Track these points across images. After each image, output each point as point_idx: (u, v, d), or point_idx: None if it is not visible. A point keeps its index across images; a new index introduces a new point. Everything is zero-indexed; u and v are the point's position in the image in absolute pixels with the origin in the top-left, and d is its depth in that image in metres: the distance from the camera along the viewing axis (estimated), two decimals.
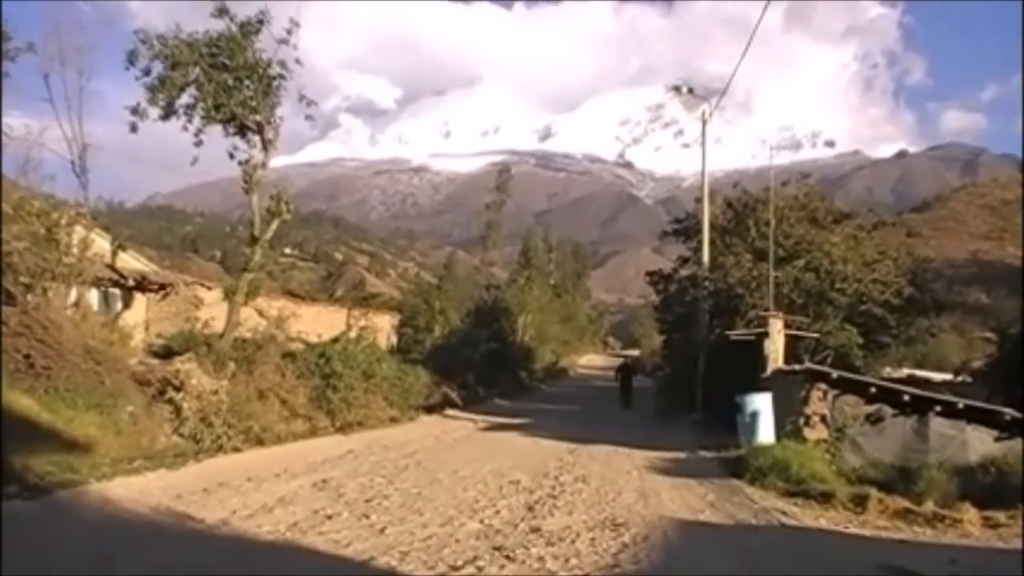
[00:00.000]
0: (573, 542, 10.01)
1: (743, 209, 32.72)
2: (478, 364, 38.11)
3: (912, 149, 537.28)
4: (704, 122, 35.67)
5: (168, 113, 20.69)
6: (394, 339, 40.84)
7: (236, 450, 16.19)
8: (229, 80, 20.97)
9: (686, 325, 35.15)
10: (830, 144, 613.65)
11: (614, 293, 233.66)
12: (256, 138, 21.77)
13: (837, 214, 33.01)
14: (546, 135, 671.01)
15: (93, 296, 23.29)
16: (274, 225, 22.50)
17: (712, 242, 32.73)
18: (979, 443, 16.10)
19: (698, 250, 33.73)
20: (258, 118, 21.45)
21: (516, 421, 28.15)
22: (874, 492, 13.31)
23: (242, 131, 21.67)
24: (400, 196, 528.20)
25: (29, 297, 16.67)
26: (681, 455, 19.83)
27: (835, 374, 18.11)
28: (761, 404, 19.01)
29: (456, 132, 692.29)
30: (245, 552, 9.20)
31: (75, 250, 18.73)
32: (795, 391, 18.21)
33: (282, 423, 19.31)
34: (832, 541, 11.08)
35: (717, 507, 13.17)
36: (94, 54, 21.27)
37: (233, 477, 13.35)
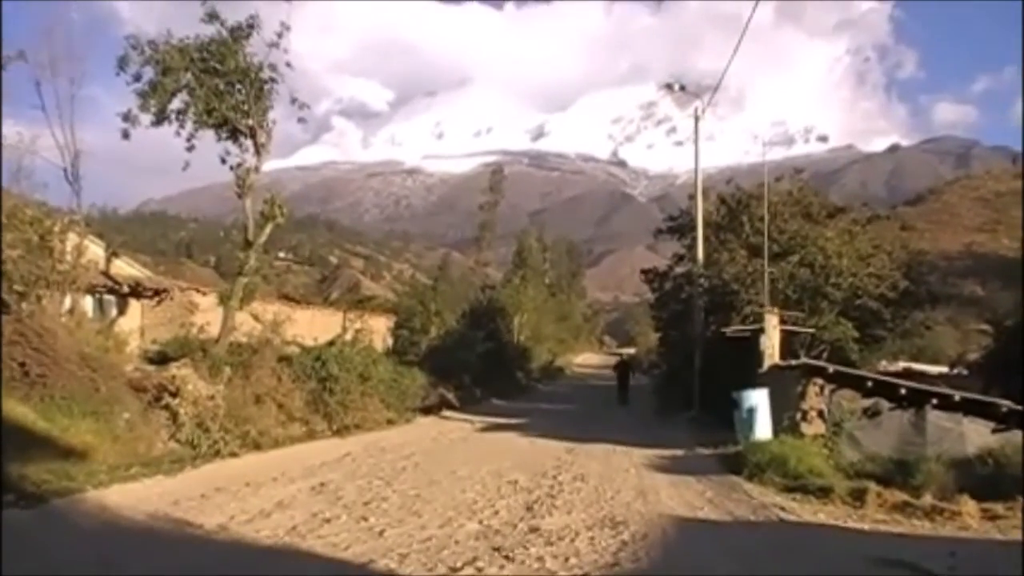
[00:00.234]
0: (572, 541, 10.00)
1: (737, 205, 32.74)
2: (474, 365, 38.09)
3: (905, 143, 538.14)
4: (697, 119, 35.68)
5: (160, 119, 20.66)
6: (390, 341, 40.76)
7: (233, 455, 16.14)
8: (220, 85, 20.95)
9: (682, 322, 35.16)
10: (823, 139, 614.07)
11: (609, 292, 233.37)
12: (248, 142, 21.75)
13: (831, 209, 33.03)
14: (538, 135, 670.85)
15: (88, 303, 23.31)
16: (268, 229, 22.46)
17: (706, 239, 32.73)
18: (976, 435, 16.12)
19: (692, 247, 33.75)
20: (250, 122, 21.43)
21: (513, 421, 28.14)
22: (872, 486, 13.31)
23: (234, 135, 21.66)
24: (394, 198, 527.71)
25: (23, 305, 16.63)
26: (679, 452, 19.85)
27: (831, 369, 18.11)
28: (758, 400, 19.02)
29: (449, 133, 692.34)
30: (244, 557, 9.19)
31: (69, 257, 18.68)
32: (791, 386, 18.21)
33: (279, 427, 19.29)
34: (831, 535, 11.09)
35: (716, 504, 13.18)
36: (85, 61, 21.20)
37: (231, 482, 13.33)
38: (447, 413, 30.06)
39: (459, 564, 8.74)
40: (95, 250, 23.49)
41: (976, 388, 19.27)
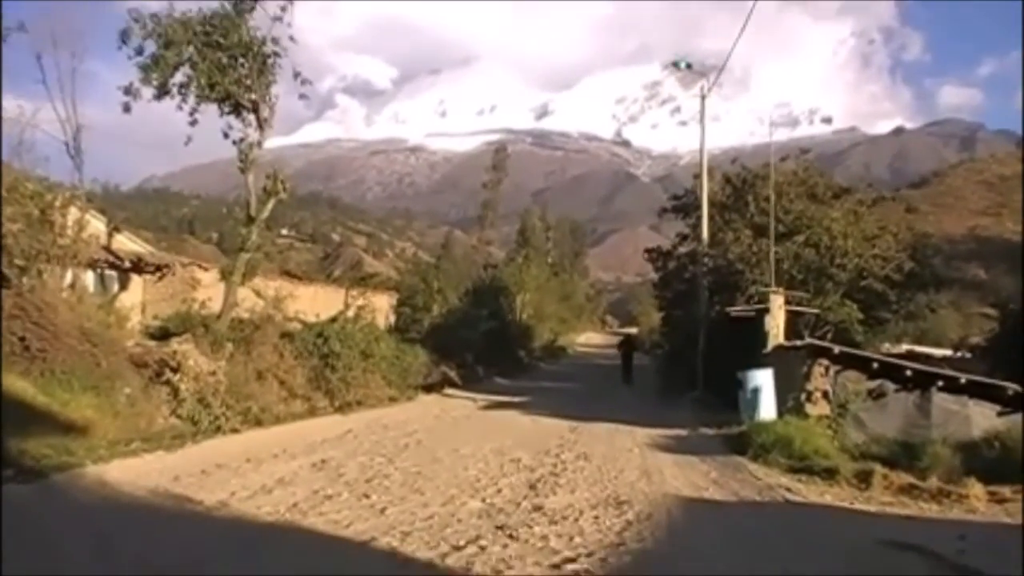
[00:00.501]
0: (576, 520, 9.91)
1: (742, 185, 32.57)
2: (477, 343, 37.96)
3: (909, 125, 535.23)
4: (703, 97, 35.44)
5: (162, 93, 20.46)
6: (392, 319, 40.68)
7: (234, 431, 16.08)
8: (223, 59, 20.75)
9: (685, 302, 35.05)
10: (827, 121, 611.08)
11: (612, 271, 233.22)
12: (251, 117, 21.57)
13: (837, 189, 32.89)
14: (542, 113, 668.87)
15: (89, 278, 23.19)
16: (270, 204, 22.31)
17: (711, 218, 32.50)
18: (982, 418, 16.08)
19: (697, 226, 33.55)
20: (253, 97, 21.25)
21: (516, 399, 28.09)
22: (878, 468, 13.26)
23: (237, 110, 21.47)
24: (397, 176, 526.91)
25: (24, 280, 16.52)
26: (683, 432, 19.73)
27: (837, 349, 18.05)
28: (762, 380, 18.93)
29: (452, 111, 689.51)
30: (244, 533, 9.09)
31: (70, 232, 18.55)
32: (796, 367, 18.13)
33: (281, 403, 19.25)
34: (838, 517, 11.01)
35: (720, 484, 13.09)
36: (86, 34, 21.03)
37: (232, 458, 13.23)
38: (449, 391, 29.96)
39: (462, 542, 8.64)
40: (96, 225, 23.34)
41: (980, 371, 19.22)
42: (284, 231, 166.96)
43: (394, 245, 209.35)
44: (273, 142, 22.88)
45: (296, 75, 22.00)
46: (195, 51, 20.44)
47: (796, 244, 27.78)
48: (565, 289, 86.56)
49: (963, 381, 16.50)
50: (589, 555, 8.37)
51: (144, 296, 26.94)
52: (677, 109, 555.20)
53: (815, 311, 25.27)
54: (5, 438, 10.74)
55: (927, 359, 24.46)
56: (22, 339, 14.35)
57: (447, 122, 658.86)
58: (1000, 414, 16.09)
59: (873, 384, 17.18)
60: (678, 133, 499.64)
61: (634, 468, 14.27)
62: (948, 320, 53.34)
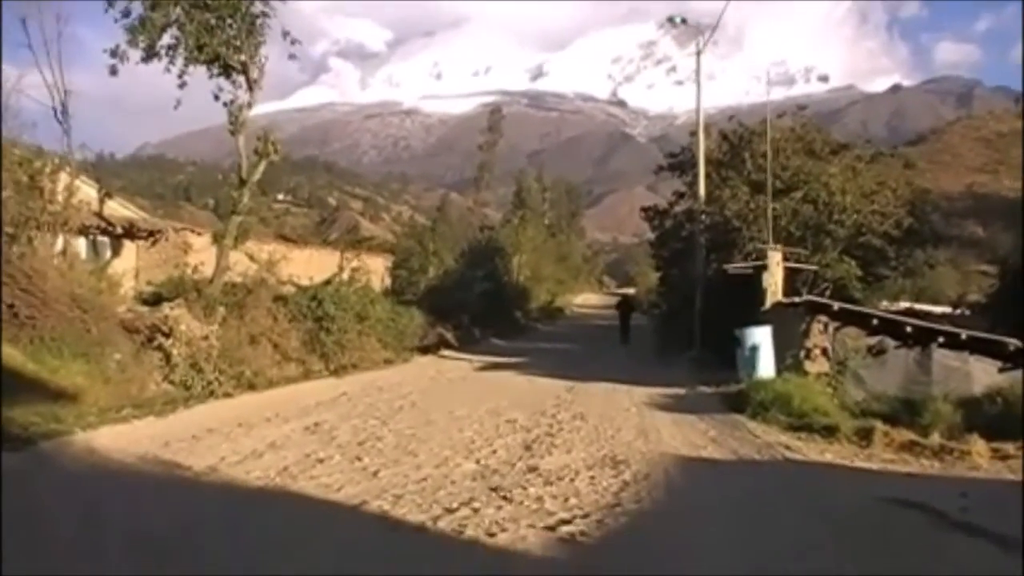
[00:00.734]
0: (572, 481, 9.78)
1: (739, 142, 32.28)
2: (473, 305, 37.86)
3: (906, 83, 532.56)
4: (698, 53, 35.07)
5: (149, 55, 20.08)
6: (388, 281, 40.50)
7: (227, 396, 15.98)
8: (211, 19, 20.35)
9: (683, 261, 34.92)
10: (824, 79, 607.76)
11: (608, 232, 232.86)
12: (241, 78, 21.22)
13: (835, 145, 32.57)
14: (537, 74, 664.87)
15: (81, 244, 22.92)
16: (261, 166, 22.03)
17: (708, 176, 32.22)
18: (983, 374, 15.95)
19: (693, 184, 33.31)
20: (242, 58, 20.89)
21: (512, 360, 27.99)
22: (879, 425, 13.14)
23: (226, 71, 21.12)
24: (392, 139, 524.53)
25: (14, 247, 16.29)
26: (680, 391, 19.64)
27: (836, 306, 17.89)
28: (761, 338, 18.81)
29: (447, 73, 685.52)
30: (233, 499, 8.94)
31: (60, 198, 18.30)
32: (795, 324, 17.99)
33: (274, 367, 19.12)
34: (839, 475, 10.90)
35: (719, 443, 12.98)
36: None
37: (223, 423, 13.11)
38: (445, 353, 29.89)
39: (455, 505, 8.50)
40: (88, 191, 23.05)
41: (981, 328, 19.00)
42: (280, 196, 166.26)
43: (390, 209, 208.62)
44: (267, 107, 22.73)
45: (285, 35, 21.61)
46: (182, 12, 20.06)
47: (794, 200, 27.53)
48: (562, 250, 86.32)
49: (964, 337, 16.36)
50: (585, 516, 8.23)
51: (138, 262, 26.74)
52: (673, 69, 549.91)
53: (813, 268, 25.11)
54: None
55: (926, 316, 24.31)
56: (11, 306, 14.19)
57: (442, 84, 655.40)
58: (1001, 370, 15.95)
59: (873, 341, 17.04)
60: (674, 93, 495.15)
61: (631, 427, 14.16)
62: (946, 277, 53.20)
